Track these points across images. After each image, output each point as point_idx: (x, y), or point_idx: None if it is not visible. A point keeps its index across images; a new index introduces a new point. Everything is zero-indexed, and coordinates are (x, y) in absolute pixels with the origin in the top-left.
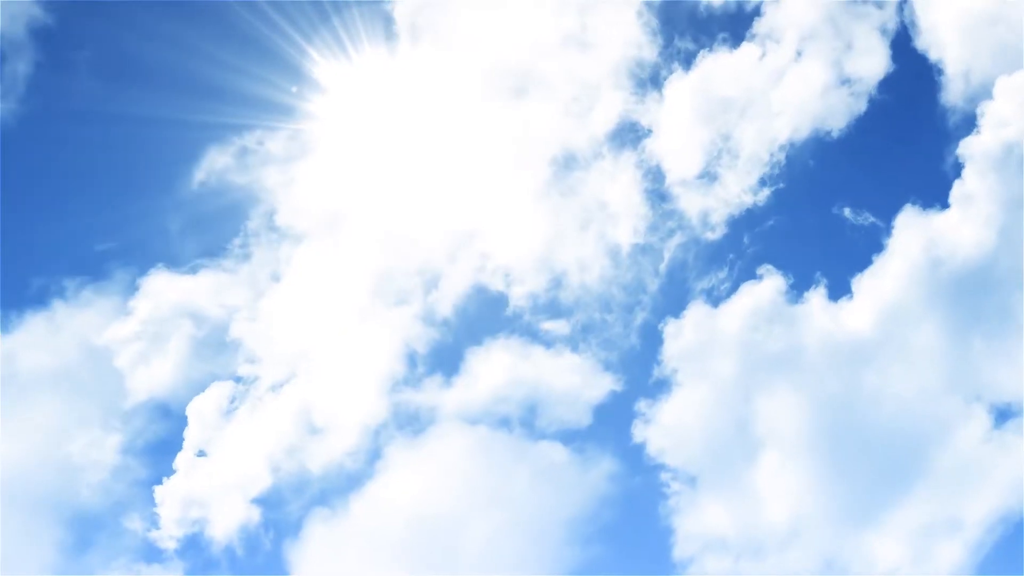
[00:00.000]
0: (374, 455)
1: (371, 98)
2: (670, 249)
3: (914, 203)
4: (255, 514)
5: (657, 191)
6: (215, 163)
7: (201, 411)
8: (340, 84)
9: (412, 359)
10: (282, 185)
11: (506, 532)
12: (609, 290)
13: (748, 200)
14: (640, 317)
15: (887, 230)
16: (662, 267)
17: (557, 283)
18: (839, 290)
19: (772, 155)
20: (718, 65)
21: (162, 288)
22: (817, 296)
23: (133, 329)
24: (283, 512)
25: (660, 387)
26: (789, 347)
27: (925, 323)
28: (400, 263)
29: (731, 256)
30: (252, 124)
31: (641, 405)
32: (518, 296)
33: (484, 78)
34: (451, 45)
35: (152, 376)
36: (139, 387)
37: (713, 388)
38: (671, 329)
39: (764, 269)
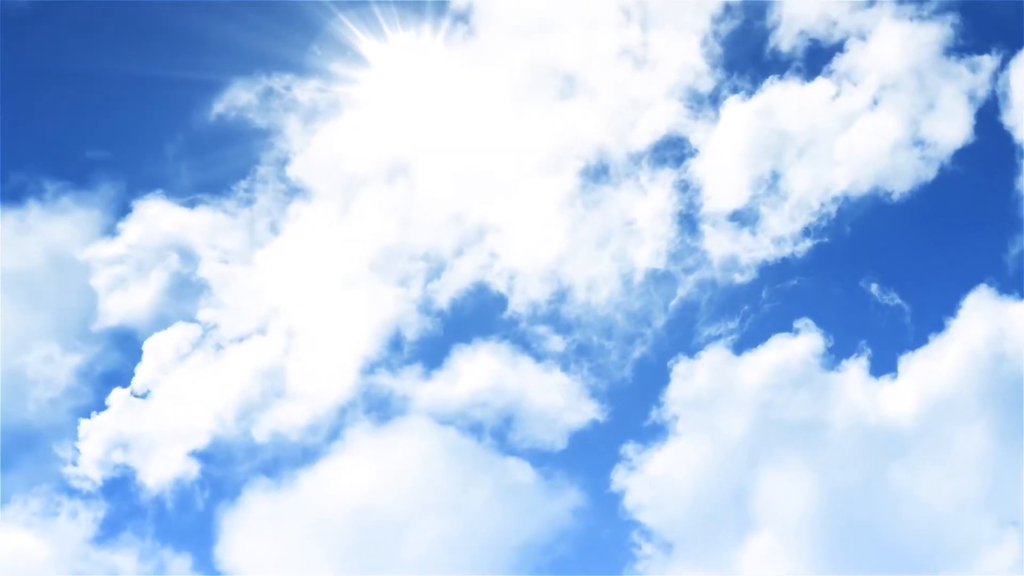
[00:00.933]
0: (333, 434)
1: (410, 76)
2: (690, 283)
3: (990, 285)
4: (193, 468)
5: (690, 218)
6: (237, 98)
7: (159, 349)
8: (383, 56)
9: (397, 343)
10: (302, 138)
11: (453, 543)
12: (614, 315)
13: (787, 248)
14: (640, 350)
15: (951, 310)
16: (674, 302)
17: (561, 296)
18: (883, 366)
19: (823, 205)
20: (785, 96)
21: (156, 215)
22: (856, 367)
23: (118, 251)
24: (223, 473)
25: (655, 432)
26: (813, 417)
27: (974, 424)
28: (406, 245)
29: (761, 303)
30: (283, 69)
31: (628, 449)
32: (518, 302)
33: (528, 74)
34: (502, 36)
35: (128, 303)
36: (112, 311)
37: (716, 446)
38: (682, 369)
39: (803, 323)
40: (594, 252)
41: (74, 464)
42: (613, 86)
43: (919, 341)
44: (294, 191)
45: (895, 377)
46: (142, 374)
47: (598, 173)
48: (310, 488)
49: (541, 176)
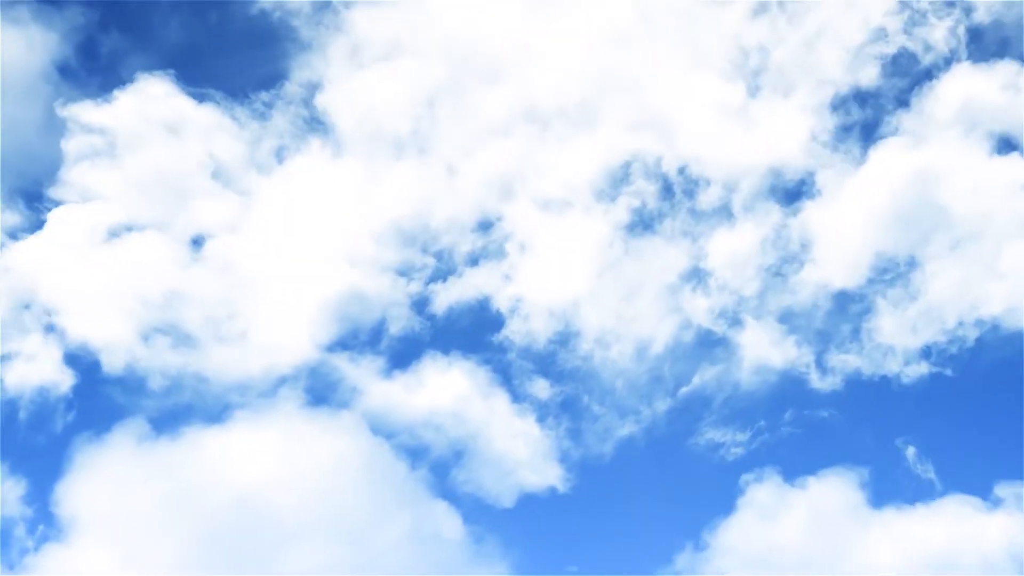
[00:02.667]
0: (253, 400)
1: (484, 50)
2: (738, 369)
3: None
4: (65, 381)
5: (780, 277)
6: None
7: (72, 223)
8: (461, 16)
9: (376, 333)
10: (344, 68)
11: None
12: (615, 379)
13: (893, 365)
14: (630, 428)
15: None
16: (685, 389)
17: (565, 340)
18: None
19: (961, 324)
20: (963, 161)
21: (158, 96)
22: None
23: (103, 120)
24: (99, 399)
25: None
26: None
27: None
28: (423, 235)
29: (837, 429)
30: None
31: None
32: (516, 329)
33: (608, 88)
34: (592, 38)
35: (96, 179)
36: (75, 182)
37: None
38: (764, 497)
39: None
40: (621, 302)
41: None
42: (709, 114)
43: None
44: (316, 124)
45: None
46: (46, 239)
47: (652, 220)
48: (196, 454)
49: (590, 201)
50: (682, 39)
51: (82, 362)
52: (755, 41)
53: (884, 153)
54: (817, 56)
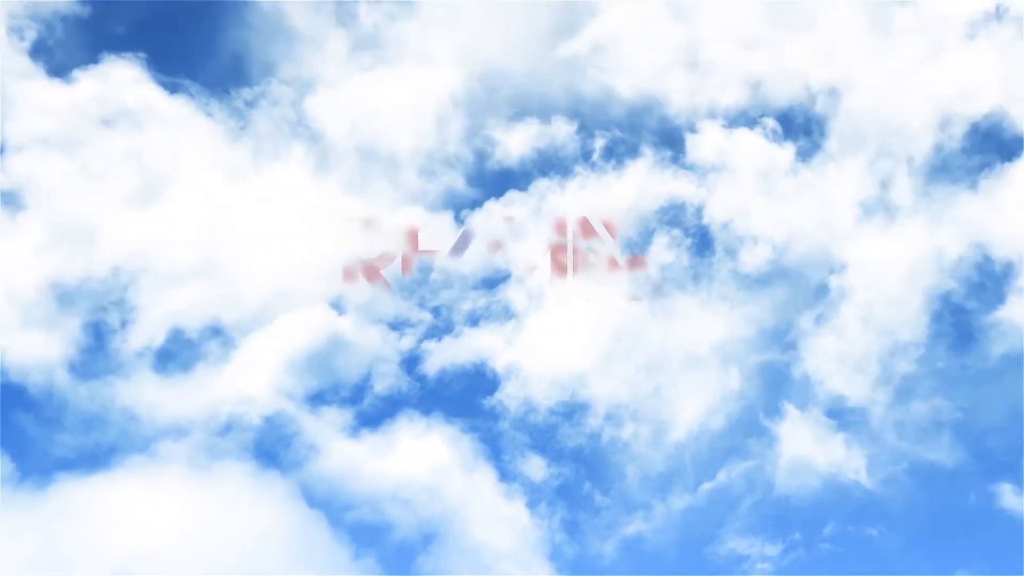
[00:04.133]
0: (172, 449)
1: (505, 62)
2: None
3: None
4: None
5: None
6: None
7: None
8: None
9: (359, 389)
10: (343, 67)
11: None
12: (627, 467)
13: None
14: (636, 527)
15: None
16: (708, 484)
17: (570, 413)
18: None
19: None
20: None
21: (124, 81)
22: None
23: (55, 101)
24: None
25: None
26: None
27: None
28: (421, 287)
29: None
30: None
31: None
32: (511, 394)
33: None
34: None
35: (40, 171)
36: (14, 172)
37: None
38: None
39: None
40: (640, 373)
41: None
42: (764, 164)
43: None
44: (303, 129)
45: None
46: None
47: (685, 278)
48: (75, 507)
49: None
50: (735, 74)
51: None
52: (823, 84)
53: None
54: (893, 109)
